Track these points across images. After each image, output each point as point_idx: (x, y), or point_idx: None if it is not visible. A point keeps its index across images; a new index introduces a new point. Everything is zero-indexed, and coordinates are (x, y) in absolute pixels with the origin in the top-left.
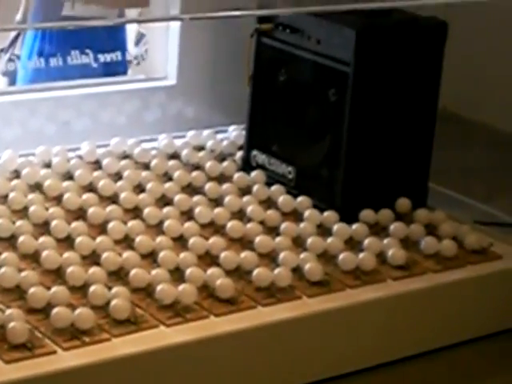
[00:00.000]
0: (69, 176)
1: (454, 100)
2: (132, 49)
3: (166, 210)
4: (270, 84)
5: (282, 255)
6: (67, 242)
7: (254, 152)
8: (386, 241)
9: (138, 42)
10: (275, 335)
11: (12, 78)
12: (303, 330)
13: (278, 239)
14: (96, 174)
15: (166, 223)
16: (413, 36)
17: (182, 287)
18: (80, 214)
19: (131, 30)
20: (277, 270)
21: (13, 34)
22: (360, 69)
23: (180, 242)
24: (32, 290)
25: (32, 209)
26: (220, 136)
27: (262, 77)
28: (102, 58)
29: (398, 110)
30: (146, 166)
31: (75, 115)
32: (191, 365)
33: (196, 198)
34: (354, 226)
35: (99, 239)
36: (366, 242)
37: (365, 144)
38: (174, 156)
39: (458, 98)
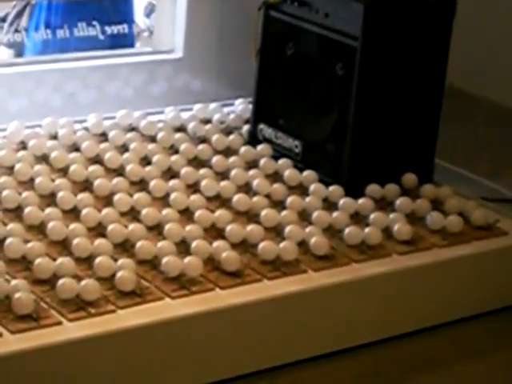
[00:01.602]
0: (75, 148)
1: (460, 76)
2: (141, 21)
3: (171, 182)
4: (277, 58)
5: (287, 229)
6: (73, 213)
7: (261, 126)
8: (391, 216)
9: (149, 14)
10: (280, 308)
11: (19, 50)
12: (308, 303)
13: (283, 213)
14: (102, 146)
15: (172, 196)
16: (421, 11)
17: (187, 260)
18: (86, 185)
19: (141, 2)
20: (282, 244)
21: (19, 5)
22: (368, 43)
23: (186, 214)
24: (38, 260)
25: (38, 180)
26: (226, 109)
27: (269, 50)
28: (108, 30)
29: (405, 86)
30: (153, 139)
31: (82, 87)
32: (196, 337)
33: (202, 171)
34: (360, 201)
35: (105, 211)
36: (372, 216)
37: (372, 119)
38: (181, 129)
39: (465, 74)
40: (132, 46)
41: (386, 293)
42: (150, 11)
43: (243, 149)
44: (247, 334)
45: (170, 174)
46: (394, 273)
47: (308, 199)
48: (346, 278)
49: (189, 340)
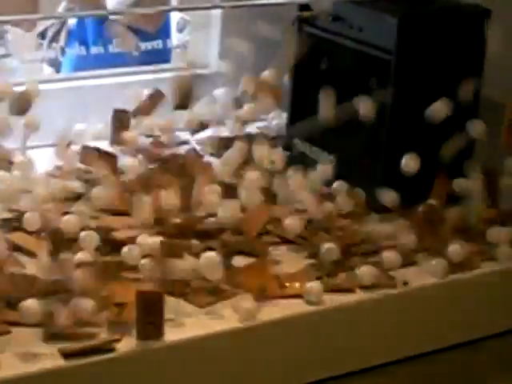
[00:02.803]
0: None
1: (496, 88)
2: (174, 36)
3: None
4: (311, 72)
5: None
6: None
7: (295, 140)
8: None
9: (181, 29)
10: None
11: (55, 66)
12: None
13: None
14: None
15: None
16: (455, 23)
17: None
18: None
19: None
20: None
21: (57, 23)
22: (402, 57)
23: None
24: None
25: None
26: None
27: (303, 65)
28: (143, 45)
29: (441, 97)
30: None
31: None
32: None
33: None
34: None
35: None
36: None
37: (406, 133)
38: None
39: (501, 86)
40: (166, 61)
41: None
42: (182, 27)
43: None
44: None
45: None
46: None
47: None
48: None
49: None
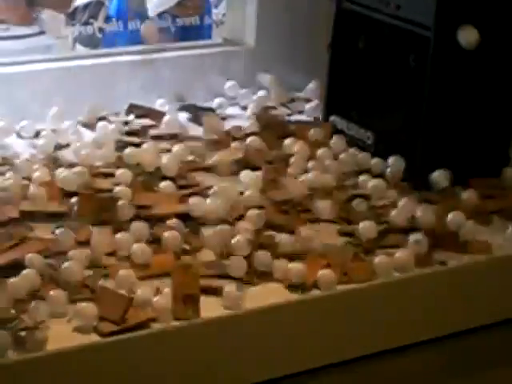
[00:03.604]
0: None
1: None
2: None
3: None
4: (349, 49)
5: None
6: None
7: (333, 117)
8: None
9: (217, 5)
10: None
11: (92, 42)
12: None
13: None
14: None
15: None
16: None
17: None
18: None
19: None
20: None
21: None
22: (441, 33)
23: None
24: None
25: None
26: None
27: (341, 42)
28: (180, 22)
29: (479, 77)
30: None
31: (153, 78)
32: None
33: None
34: None
35: None
36: None
37: (444, 110)
38: None
39: None
40: (205, 37)
41: None
42: (218, 2)
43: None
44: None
45: None
46: None
47: None
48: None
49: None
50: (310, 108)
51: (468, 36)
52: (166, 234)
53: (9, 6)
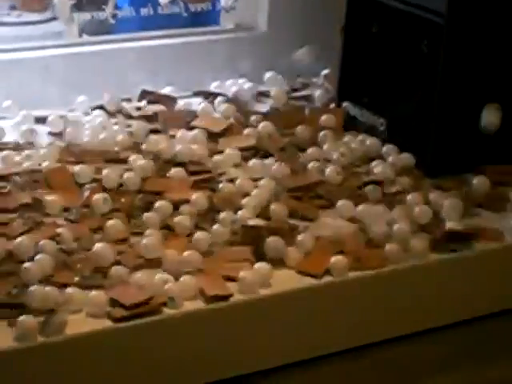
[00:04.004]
0: None
1: None
2: None
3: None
4: (362, 35)
5: None
6: None
7: (345, 103)
8: None
9: None
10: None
11: (104, 28)
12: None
13: None
14: None
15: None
16: None
17: None
18: None
19: None
20: None
21: None
22: (453, 19)
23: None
24: None
25: None
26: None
27: (353, 28)
28: (192, 8)
29: (492, 63)
30: None
31: (165, 65)
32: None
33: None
34: None
35: None
36: None
37: (457, 97)
38: None
39: None
40: (216, 23)
41: None
42: None
43: None
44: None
45: None
46: None
47: None
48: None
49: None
50: (321, 94)
51: (490, 118)
52: (178, 220)
53: None
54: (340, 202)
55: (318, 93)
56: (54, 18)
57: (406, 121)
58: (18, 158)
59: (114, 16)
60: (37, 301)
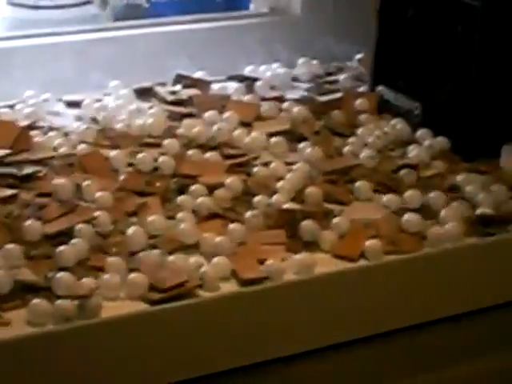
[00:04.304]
0: None
1: None
2: None
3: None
4: (397, 18)
5: None
6: None
7: (380, 87)
8: None
9: None
10: None
11: (139, 13)
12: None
13: None
14: None
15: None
16: None
17: None
18: None
19: None
20: None
21: None
22: (489, 2)
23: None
24: None
25: None
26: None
27: (389, 11)
28: None
29: None
30: None
31: (200, 49)
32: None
33: None
34: None
35: None
36: None
37: (493, 81)
38: None
39: None
40: (249, 7)
41: None
42: None
43: None
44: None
45: None
46: None
47: None
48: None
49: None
50: (355, 78)
51: None
52: (213, 203)
53: None
54: None
55: (352, 77)
56: (88, 2)
57: (441, 104)
58: (53, 142)
59: (148, 0)
60: (62, 289)
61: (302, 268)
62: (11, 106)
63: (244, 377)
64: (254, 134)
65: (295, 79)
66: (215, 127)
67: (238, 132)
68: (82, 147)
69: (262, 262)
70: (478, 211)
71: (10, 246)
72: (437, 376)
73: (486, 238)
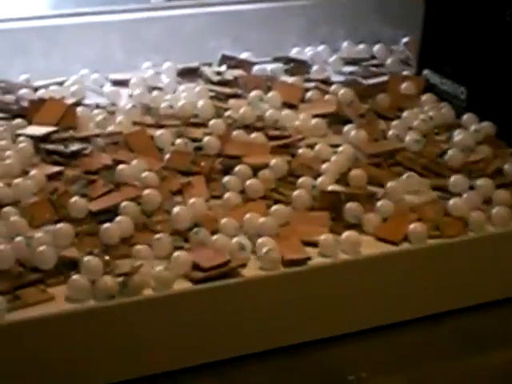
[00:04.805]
0: None
1: None
2: None
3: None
4: (444, 3)
5: None
6: None
7: (426, 71)
8: None
9: None
10: None
11: None
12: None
13: None
14: None
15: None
16: None
17: None
18: None
19: None
20: None
21: None
22: None
23: None
24: None
25: None
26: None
27: None
28: None
29: None
30: None
31: (246, 29)
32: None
33: None
34: None
35: None
36: None
37: None
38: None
39: None
40: None
41: None
42: None
43: None
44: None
45: None
46: None
47: None
48: None
49: None
50: (401, 61)
51: None
52: (257, 184)
53: None
54: None
55: (398, 60)
56: None
57: (487, 90)
58: (98, 120)
59: None
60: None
61: (347, 246)
62: (59, 84)
63: (287, 357)
64: (299, 115)
65: (341, 62)
66: (259, 108)
67: (283, 113)
68: (127, 126)
69: (306, 243)
70: None
71: (61, 224)
72: (487, 360)
73: None
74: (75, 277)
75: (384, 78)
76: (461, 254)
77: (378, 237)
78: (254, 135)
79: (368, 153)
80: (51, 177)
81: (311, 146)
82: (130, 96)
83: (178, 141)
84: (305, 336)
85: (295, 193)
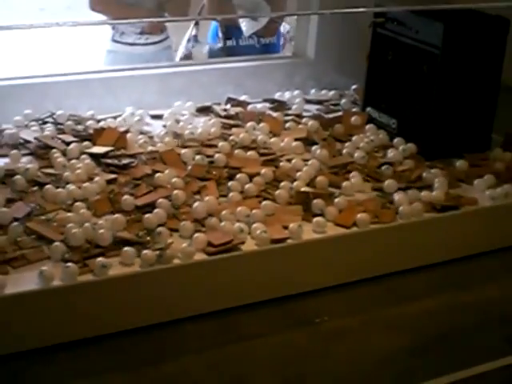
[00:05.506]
0: None
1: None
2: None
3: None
4: (381, 61)
5: None
6: None
7: (368, 108)
8: None
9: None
10: None
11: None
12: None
13: None
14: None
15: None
16: (482, 29)
17: None
18: None
19: None
20: None
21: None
22: (446, 51)
23: None
24: None
25: None
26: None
27: (376, 55)
28: (262, 41)
29: (473, 81)
30: None
31: (242, 80)
32: None
33: None
34: None
35: None
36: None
37: (448, 104)
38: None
39: None
40: (279, 51)
41: None
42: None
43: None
44: None
45: None
46: None
47: None
48: None
49: None
50: (351, 102)
51: None
52: (252, 186)
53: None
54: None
55: (349, 101)
56: (167, 38)
57: (411, 121)
58: (141, 143)
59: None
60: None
61: (317, 228)
62: (114, 117)
63: (280, 305)
64: (281, 139)
65: (310, 102)
66: (253, 134)
67: (269, 138)
68: (162, 146)
69: (285, 227)
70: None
71: (116, 215)
72: (407, 310)
73: (440, 213)
74: (126, 248)
75: (339, 114)
76: (392, 234)
77: (336, 223)
78: (249, 153)
79: (329, 165)
80: (109, 182)
81: (289, 160)
82: (164, 126)
83: (197, 157)
84: (285, 291)
85: (278, 192)
